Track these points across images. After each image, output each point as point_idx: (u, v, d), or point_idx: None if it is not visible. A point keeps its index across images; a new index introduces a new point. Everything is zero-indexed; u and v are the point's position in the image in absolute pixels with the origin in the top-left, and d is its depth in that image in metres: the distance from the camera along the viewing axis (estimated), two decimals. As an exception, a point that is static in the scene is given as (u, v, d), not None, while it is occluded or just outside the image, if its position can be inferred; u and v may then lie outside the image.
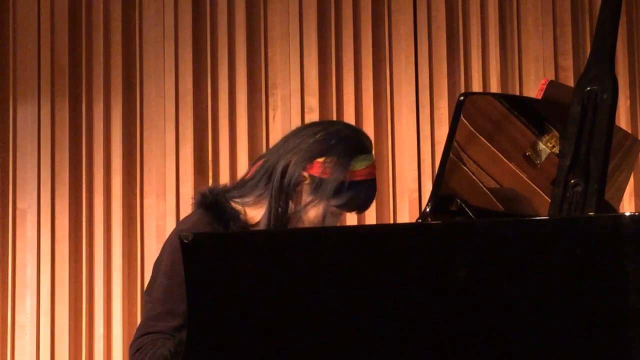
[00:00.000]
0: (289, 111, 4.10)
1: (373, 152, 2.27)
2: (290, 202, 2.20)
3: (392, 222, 4.02)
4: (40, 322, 4.07)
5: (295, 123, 4.10)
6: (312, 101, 4.11)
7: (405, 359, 1.59)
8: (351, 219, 4.04)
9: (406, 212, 4.06)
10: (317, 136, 2.21)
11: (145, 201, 4.12)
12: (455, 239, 1.60)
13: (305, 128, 2.27)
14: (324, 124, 2.30)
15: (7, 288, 4.11)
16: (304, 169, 2.19)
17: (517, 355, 1.56)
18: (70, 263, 4.09)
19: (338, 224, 2.25)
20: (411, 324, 1.59)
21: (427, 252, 1.59)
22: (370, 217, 4.05)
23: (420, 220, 2.27)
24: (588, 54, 1.98)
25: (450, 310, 1.57)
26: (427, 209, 2.21)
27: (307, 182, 2.19)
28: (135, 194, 4.14)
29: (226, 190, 2.24)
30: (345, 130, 2.26)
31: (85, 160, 4.15)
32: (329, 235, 1.71)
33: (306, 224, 2.21)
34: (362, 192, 2.21)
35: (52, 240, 4.11)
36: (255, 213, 2.22)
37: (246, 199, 2.22)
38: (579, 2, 4.18)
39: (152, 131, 4.15)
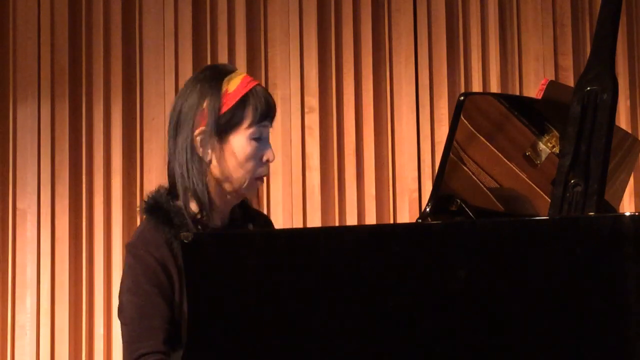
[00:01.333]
0: (289, 111, 4.11)
1: (240, 70, 2.22)
2: (207, 167, 2.15)
3: (392, 222, 4.02)
4: (40, 322, 4.07)
5: (296, 123, 4.10)
6: (312, 101, 4.11)
7: (405, 358, 1.59)
8: (351, 219, 4.05)
9: (406, 212, 4.05)
10: (185, 96, 2.17)
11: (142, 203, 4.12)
12: (455, 239, 1.60)
13: (175, 101, 2.21)
14: (185, 84, 2.23)
15: (7, 288, 4.11)
16: (194, 130, 2.14)
17: (517, 355, 1.56)
18: (70, 263, 4.09)
19: (270, 148, 2.19)
20: (411, 324, 1.59)
21: (427, 252, 1.59)
22: (370, 217, 4.06)
23: (420, 220, 2.27)
24: (588, 54, 1.98)
25: (451, 310, 1.57)
26: (427, 209, 2.21)
27: (203, 137, 2.13)
28: (135, 194, 4.14)
29: (168, 190, 2.19)
30: (203, 71, 2.21)
31: (85, 160, 4.15)
32: (329, 235, 1.71)
33: (239, 168, 2.15)
34: (255, 100, 2.14)
35: (52, 240, 4.11)
36: (195, 206, 2.17)
37: (185, 195, 2.18)
38: (579, 2, 4.18)
39: (152, 131, 4.15)
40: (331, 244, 1.64)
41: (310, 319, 1.62)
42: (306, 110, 4.12)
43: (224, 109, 2.14)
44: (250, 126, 2.15)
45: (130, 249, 2.14)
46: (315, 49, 4.14)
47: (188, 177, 2.15)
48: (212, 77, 2.18)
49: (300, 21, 4.16)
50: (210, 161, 2.15)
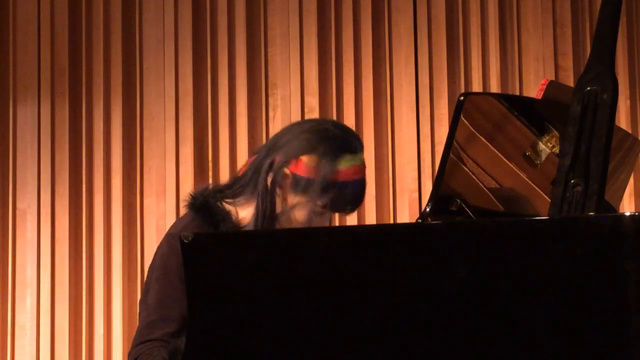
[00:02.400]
0: (289, 111, 4.10)
1: (362, 154, 2.22)
2: (277, 201, 2.17)
3: (392, 222, 4.02)
4: (40, 322, 4.07)
5: (295, 123, 4.10)
6: (312, 101, 4.11)
7: (405, 358, 1.59)
8: (351, 219, 4.05)
9: (406, 212, 4.05)
10: (304, 134, 2.18)
11: (145, 201, 4.12)
12: (455, 239, 1.60)
13: (295, 125, 2.24)
14: (314, 122, 2.27)
15: (7, 288, 4.11)
16: (288, 167, 2.15)
17: (517, 355, 1.56)
18: (70, 263, 4.09)
19: (327, 224, 2.23)
20: (411, 324, 1.59)
21: (427, 252, 1.59)
22: (370, 217, 4.06)
23: (420, 220, 2.27)
24: (588, 54, 1.98)
25: (451, 310, 1.57)
26: (427, 209, 2.21)
27: (290, 180, 2.15)
28: (135, 194, 4.14)
29: (219, 190, 2.21)
30: (334, 129, 2.21)
31: (85, 160, 4.15)
32: (329, 235, 1.71)
33: (293, 224, 2.18)
34: (348, 192, 2.16)
35: (52, 240, 4.11)
36: (246, 213, 2.19)
37: (237, 199, 2.20)
38: (579, 2, 4.18)
39: (152, 131, 4.15)
40: (331, 244, 1.64)
41: (310, 319, 1.62)
42: (306, 110, 4.12)
43: (326, 178, 2.14)
44: (322, 206, 2.17)
45: (169, 239, 2.14)
46: (315, 49, 4.14)
47: (265, 196, 2.16)
48: (340, 144, 2.16)
49: (300, 21, 4.16)
50: (277, 198, 2.17)
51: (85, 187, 4.14)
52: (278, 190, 2.16)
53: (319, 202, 2.15)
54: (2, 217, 4.15)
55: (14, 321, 4.09)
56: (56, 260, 4.10)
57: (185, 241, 1.67)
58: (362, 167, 2.19)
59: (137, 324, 2.17)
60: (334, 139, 2.17)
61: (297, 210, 2.17)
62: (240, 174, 2.23)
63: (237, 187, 2.20)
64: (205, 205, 2.17)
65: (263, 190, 2.16)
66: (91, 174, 4.15)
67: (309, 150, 2.15)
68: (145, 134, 4.16)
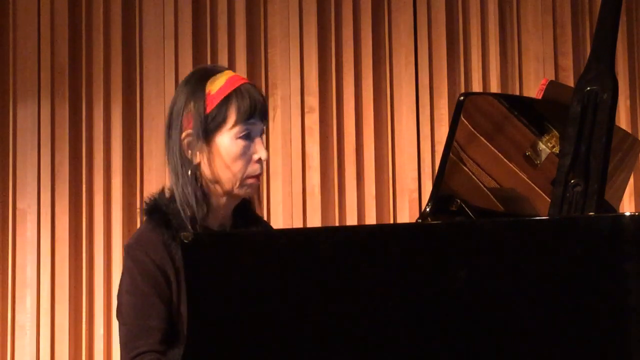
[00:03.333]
0: (289, 111, 4.11)
1: (228, 70, 2.20)
2: (195, 170, 2.15)
3: (392, 222, 4.02)
4: (40, 322, 4.07)
5: (296, 123, 4.10)
6: (312, 101, 4.11)
7: (405, 358, 1.59)
8: (351, 219, 4.05)
9: (406, 212, 4.06)
10: (175, 99, 2.21)
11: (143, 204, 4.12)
12: (455, 239, 1.60)
13: (169, 107, 2.25)
14: (178, 87, 2.26)
15: (7, 288, 4.11)
16: (181, 132, 2.15)
17: (517, 355, 1.56)
18: (70, 263, 4.09)
19: (263, 145, 2.18)
20: (411, 324, 1.59)
21: (427, 252, 1.59)
22: (370, 217, 4.06)
23: (420, 220, 2.27)
24: (588, 54, 1.98)
25: (451, 310, 1.57)
26: (427, 209, 2.21)
27: (191, 139, 2.14)
28: (135, 194, 4.14)
29: (170, 194, 2.20)
30: (190, 74, 2.23)
31: (85, 160, 4.15)
32: (329, 235, 1.71)
33: (228, 170, 2.14)
34: (239, 99, 2.14)
35: (52, 240, 4.11)
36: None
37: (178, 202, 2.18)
38: (579, 2, 4.18)
39: (152, 131, 4.15)
40: (331, 244, 1.64)
41: (310, 319, 1.62)
42: (306, 110, 4.12)
43: (208, 109, 2.14)
44: (235, 125, 2.14)
45: (128, 251, 2.14)
46: (315, 49, 4.14)
47: (178, 180, 2.15)
48: (198, 78, 2.19)
49: (300, 21, 4.16)
50: (199, 164, 2.15)
51: (85, 187, 4.14)
52: (194, 158, 2.14)
53: (228, 125, 2.13)
54: (2, 217, 4.15)
55: (14, 321, 4.09)
56: (56, 260, 4.10)
57: (185, 241, 1.67)
58: (235, 76, 2.17)
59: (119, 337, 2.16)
60: (191, 81, 2.19)
61: (222, 149, 2.14)
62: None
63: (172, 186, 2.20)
64: (155, 208, 2.17)
65: (174, 175, 2.15)
66: (91, 174, 4.15)
67: (183, 104, 2.18)
68: (145, 134, 4.16)
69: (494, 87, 4.10)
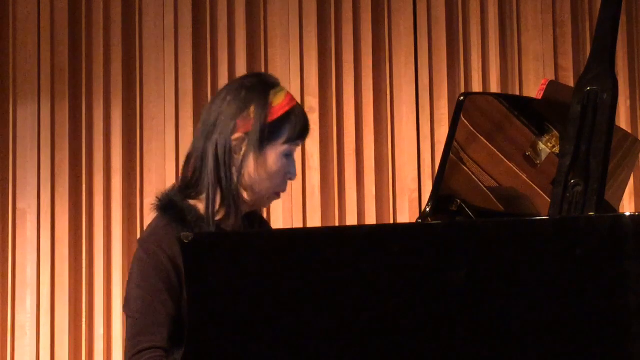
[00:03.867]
0: (289, 111, 4.10)
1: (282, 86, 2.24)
2: (235, 174, 2.16)
3: (392, 222, 4.02)
4: (40, 322, 4.07)
5: (295, 123, 4.10)
6: (312, 101, 4.11)
7: (405, 358, 1.59)
8: (351, 219, 4.05)
9: (406, 212, 4.05)
10: (226, 102, 2.17)
11: (145, 201, 4.12)
12: (455, 239, 1.60)
13: (212, 103, 2.22)
14: (226, 88, 2.24)
15: (7, 288, 4.11)
16: (232, 133, 2.15)
17: (517, 355, 1.56)
18: (70, 263, 4.09)
19: (294, 164, 2.21)
20: (411, 324, 1.59)
21: (427, 252, 1.59)
22: (370, 217, 4.06)
23: (420, 220, 2.27)
24: (588, 54, 1.98)
25: (451, 310, 1.57)
26: (427, 209, 2.21)
27: (242, 144, 2.15)
28: (135, 194, 4.14)
29: (181, 189, 2.20)
30: (248, 80, 2.22)
31: (85, 160, 4.15)
32: (329, 235, 1.71)
33: (265, 181, 2.17)
34: (296, 118, 2.17)
35: (52, 240, 4.11)
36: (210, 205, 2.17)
37: (200, 195, 2.18)
38: (579, 2, 4.18)
39: (152, 131, 4.15)
40: (331, 244, 1.64)
41: (310, 318, 1.62)
42: (306, 110, 4.11)
43: (269, 119, 2.15)
44: (285, 142, 2.17)
45: (142, 244, 2.14)
46: (315, 49, 4.14)
47: (221, 180, 2.15)
48: (259, 85, 2.19)
49: (300, 21, 4.16)
50: (241, 167, 2.16)
51: (85, 187, 4.14)
52: (241, 162, 2.15)
53: (280, 141, 2.16)
54: (2, 217, 4.15)
55: (14, 321, 4.09)
56: (56, 260, 4.09)
57: (185, 241, 1.67)
58: (290, 94, 2.21)
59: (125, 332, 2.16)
60: (255, 85, 2.18)
61: (268, 162, 2.16)
62: (190, 174, 2.23)
63: (195, 183, 2.19)
64: (170, 204, 2.17)
65: (213, 171, 2.15)
66: (91, 174, 4.15)
67: (241, 107, 2.16)
68: (145, 134, 4.16)
69: (494, 87, 4.10)
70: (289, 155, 2.19)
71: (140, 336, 2.07)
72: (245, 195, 2.18)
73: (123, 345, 4.03)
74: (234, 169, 2.16)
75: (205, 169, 2.16)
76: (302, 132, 2.20)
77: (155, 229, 2.16)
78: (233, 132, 2.15)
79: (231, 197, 2.15)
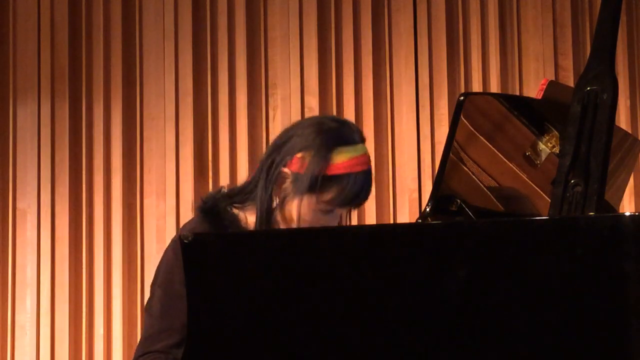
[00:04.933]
0: (289, 111, 4.11)
1: (363, 145, 2.14)
2: (276, 201, 2.13)
3: (392, 222, 4.02)
4: (40, 322, 4.07)
5: (295, 123, 4.10)
6: (312, 101, 4.11)
7: (405, 358, 1.59)
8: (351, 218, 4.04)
9: (406, 212, 4.06)
10: (301, 130, 2.13)
11: (145, 201, 4.12)
12: (455, 239, 1.60)
13: (295, 124, 2.18)
14: (312, 119, 2.21)
15: (7, 288, 4.11)
16: (285, 165, 2.10)
17: (517, 355, 1.56)
18: (70, 263, 4.09)
19: (336, 223, 2.18)
20: (411, 324, 1.59)
21: (427, 252, 1.59)
22: (370, 217, 4.06)
23: (420, 220, 2.27)
24: (588, 54, 1.98)
25: (450, 311, 1.57)
26: (427, 209, 2.21)
27: (288, 179, 2.11)
28: (135, 194, 4.14)
29: (229, 195, 2.18)
30: (330, 122, 2.15)
31: (85, 160, 4.15)
32: (329, 235, 1.71)
33: (294, 223, 2.12)
34: (349, 185, 2.09)
35: (52, 240, 4.11)
36: (254, 218, 2.15)
37: (246, 204, 2.16)
38: (579, 2, 4.18)
39: (152, 131, 4.15)
40: (331, 244, 1.64)
41: (310, 318, 1.62)
42: (306, 110, 4.12)
43: (319, 172, 2.08)
44: (326, 202, 2.11)
45: (174, 244, 2.12)
46: (315, 49, 4.14)
47: (262, 202, 2.12)
48: (333, 136, 2.11)
49: (300, 21, 4.16)
50: (281, 199, 2.13)
51: (85, 187, 4.14)
52: (277, 191, 2.13)
53: (321, 198, 2.09)
54: (2, 217, 4.15)
55: (14, 321, 4.09)
56: (56, 260, 4.10)
57: (185, 241, 1.67)
58: (363, 158, 2.11)
59: (138, 324, 2.17)
60: (328, 132, 2.11)
61: (291, 207, 2.12)
62: (248, 180, 2.21)
63: (245, 192, 2.17)
64: (214, 209, 2.14)
65: (262, 190, 2.13)
66: (91, 174, 4.15)
67: (305, 146, 2.10)
68: (145, 134, 4.16)
69: (494, 87, 4.10)
70: (327, 214, 2.13)
71: (152, 339, 2.07)
72: (279, 222, 2.15)
73: (123, 347, 4.03)
74: (275, 196, 2.13)
75: (260, 183, 2.14)
76: (349, 201, 2.12)
77: (193, 230, 2.12)
78: (285, 164, 2.11)
79: (263, 217, 2.12)
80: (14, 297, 4.10)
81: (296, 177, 2.10)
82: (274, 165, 2.13)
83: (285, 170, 2.11)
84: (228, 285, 1.66)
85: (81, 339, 4.07)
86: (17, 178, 4.17)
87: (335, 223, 2.16)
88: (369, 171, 2.12)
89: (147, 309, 2.14)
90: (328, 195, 2.10)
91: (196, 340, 1.67)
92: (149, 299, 2.15)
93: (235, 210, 2.16)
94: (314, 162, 2.08)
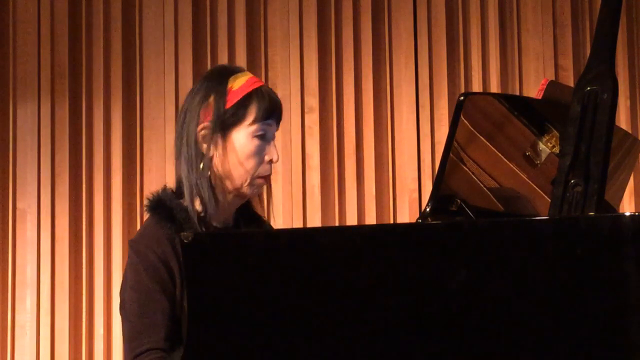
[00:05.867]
0: (289, 111, 4.10)
1: (245, 71, 2.24)
2: (207, 160, 2.16)
3: (392, 222, 4.02)
4: (40, 322, 4.07)
5: (296, 123, 4.10)
6: (312, 101, 4.11)
7: (405, 358, 1.59)
8: (351, 219, 4.05)
9: (406, 212, 4.06)
10: (192, 93, 2.21)
11: (145, 201, 4.12)
12: (455, 239, 1.60)
13: (183, 104, 2.24)
14: (190, 90, 2.28)
15: (7, 288, 4.11)
16: (197, 125, 2.16)
17: (517, 355, 1.56)
18: (70, 263, 4.09)
19: (274, 146, 2.21)
20: (411, 324, 1.59)
21: (427, 252, 1.59)
22: (370, 217, 4.06)
23: (420, 220, 2.27)
24: (588, 54, 1.98)
25: (451, 311, 1.57)
26: (427, 209, 2.21)
27: (206, 133, 2.16)
28: (135, 194, 4.14)
29: (173, 191, 2.21)
30: (210, 71, 2.26)
31: (85, 160, 4.15)
32: (329, 235, 1.71)
33: (238, 163, 2.16)
34: (260, 98, 2.17)
35: (52, 240, 4.11)
36: (198, 204, 2.18)
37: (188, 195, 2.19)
38: (579, 2, 4.18)
39: (152, 131, 4.15)
40: (331, 244, 1.64)
41: (310, 318, 1.62)
42: (306, 110, 4.12)
43: (228, 104, 2.16)
44: (253, 123, 2.17)
45: (132, 246, 2.15)
46: (315, 49, 4.14)
47: (191, 172, 2.16)
48: (219, 74, 2.21)
49: (300, 21, 4.16)
50: (212, 157, 2.17)
51: (85, 187, 4.14)
52: (207, 152, 2.15)
53: (246, 123, 2.16)
54: (2, 217, 4.15)
55: (14, 321, 4.09)
56: (56, 260, 4.10)
57: (185, 241, 1.67)
58: (253, 78, 2.21)
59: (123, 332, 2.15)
60: (213, 73, 2.22)
61: (237, 145, 2.16)
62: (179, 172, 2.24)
63: (181, 182, 2.20)
64: (159, 204, 2.18)
65: (186, 165, 2.16)
66: (91, 174, 4.15)
67: (202, 97, 2.18)
68: (145, 134, 4.16)
69: (494, 87, 4.10)
70: (262, 136, 2.18)
71: (138, 339, 2.08)
72: (226, 184, 2.19)
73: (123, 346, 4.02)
74: (204, 161, 2.16)
75: (182, 165, 2.18)
76: (269, 111, 2.19)
77: (145, 229, 2.18)
78: (198, 123, 2.17)
79: (205, 188, 2.15)
80: (14, 297, 4.10)
81: (211, 122, 2.15)
82: (187, 134, 2.17)
83: (200, 126, 2.16)
84: (227, 284, 1.66)
85: (81, 339, 4.07)
86: (17, 178, 4.17)
87: (274, 148, 2.20)
88: (266, 86, 2.23)
89: (122, 314, 2.14)
90: (250, 117, 2.17)
91: (196, 340, 1.66)
92: (121, 305, 2.15)
93: (183, 201, 2.17)
94: (217, 99, 2.16)
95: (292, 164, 4.10)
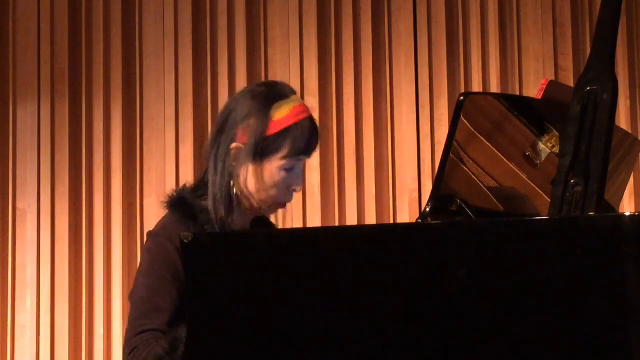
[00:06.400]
0: (289, 111, 4.10)
1: (295, 96, 2.21)
2: (232, 179, 2.17)
3: (392, 222, 4.02)
4: (40, 322, 4.07)
5: (295, 123, 4.10)
6: (312, 101, 4.11)
7: (405, 358, 1.59)
8: (351, 218, 4.05)
9: (406, 212, 4.05)
10: (237, 105, 2.19)
11: (145, 201, 4.12)
12: (455, 239, 1.60)
13: (227, 105, 2.24)
14: (241, 92, 2.26)
15: (7, 288, 4.11)
16: (233, 141, 2.16)
17: (517, 355, 1.56)
18: (70, 263, 4.09)
19: (301, 177, 2.21)
20: (411, 324, 1.59)
21: (427, 252, 1.59)
22: (370, 217, 4.06)
23: (420, 220, 2.27)
24: (588, 54, 1.98)
25: (450, 310, 1.57)
26: (427, 209, 2.21)
27: (240, 152, 2.16)
28: (135, 194, 4.14)
29: (193, 190, 2.23)
30: (259, 87, 2.23)
31: (85, 160, 4.15)
32: (329, 235, 1.71)
33: (258, 195, 2.17)
34: (298, 134, 2.17)
35: (52, 240, 4.11)
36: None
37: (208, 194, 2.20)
38: (579, 2, 4.18)
39: (152, 131, 4.15)
40: (331, 244, 1.64)
41: (310, 318, 1.62)
42: (306, 110, 4.11)
43: (266, 133, 2.15)
44: (284, 158, 2.17)
45: (151, 236, 2.16)
46: (315, 49, 4.14)
47: (216, 183, 2.17)
48: (265, 98, 2.18)
49: (300, 21, 4.16)
50: (238, 176, 2.17)
51: (85, 187, 4.14)
52: (232, 168, 2.16)
53: (278, 156, 2.16)
54: (2, 217, 4.15)
55: (14, 321, 4.09)
56: (56, 260, 4.10)
57: (185, 241, 1.67)
58: (300, 107, 2.19)
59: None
60: (260, 95, 2.18)
61: (265, 175, 2.16)
62: (203, 173, 2.25)
63: (205, 182, 2.21)
64: (181, 202, 2.19)
65: (213, 175, 2.17)
66: (91, 174, 4.15)
67: (244, 115, 2.16)
68: (145, 134, 4.16)
69: (494, 87, 4.10)
70: (290, 170, 2.19)
71: (143, 319, 2.08)
72: (247, 202, 2.20)
73: (122, 344, 4.02)
74: (234, 177, 2.17)
75: (210, 167, 2.19)
76: (304, 148, 2.19)
77: (166, 223, 2.17)
78: (233, 140, 2.17)
79: (227, 201, 2.16)
80: (14, 297, 4.10)
81: (246, 146, 2.15)
82: (221, 145, 2.17)
83: (234, 145, 2.16)
84: (228, 284, 1.66)
85: (81, 339, 4.07)
86: (17, 178, 4.17)
87: (299, 180, 2.20)
88: (311, 117, 2.22)
89: (130, 299, 2.15)
90: (284, 152, 2.16)
91: (196, 340, 1.66)
92: (132, 290, 2.16)
93: (204, 202, 2.18)
94: (256, 125, 2.14)
95: (292, 164, 4.09)
